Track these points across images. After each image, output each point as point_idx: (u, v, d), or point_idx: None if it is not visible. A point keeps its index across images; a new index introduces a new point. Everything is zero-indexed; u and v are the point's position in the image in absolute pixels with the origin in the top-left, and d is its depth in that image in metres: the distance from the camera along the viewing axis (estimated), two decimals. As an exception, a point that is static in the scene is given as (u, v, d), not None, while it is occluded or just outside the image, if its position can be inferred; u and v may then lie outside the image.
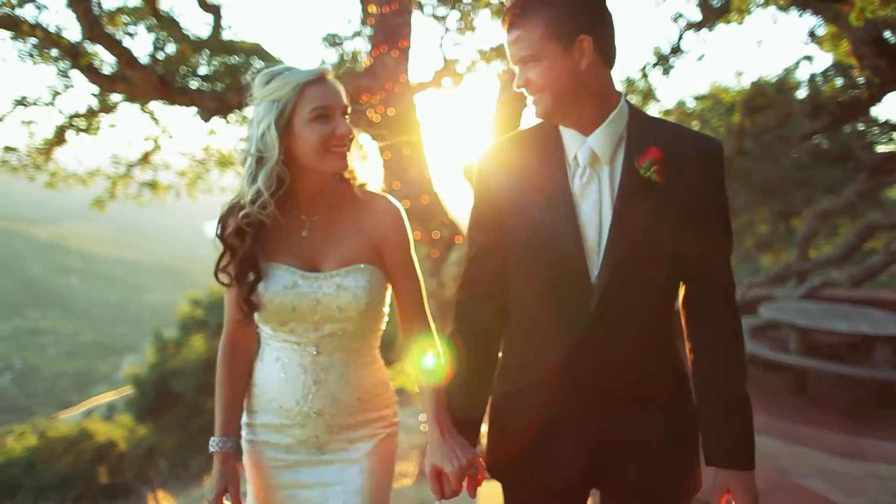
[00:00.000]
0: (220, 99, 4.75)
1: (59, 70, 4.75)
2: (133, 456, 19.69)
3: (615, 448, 1.49)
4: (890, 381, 5.95)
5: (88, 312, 74.19)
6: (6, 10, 3.98)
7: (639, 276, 1.42)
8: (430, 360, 1.64)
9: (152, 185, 8.42)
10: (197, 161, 8.56)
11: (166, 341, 18.43)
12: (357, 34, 7.62)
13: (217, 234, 1.60)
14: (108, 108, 6.96)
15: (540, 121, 1.51)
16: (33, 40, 4.32)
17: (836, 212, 8.76)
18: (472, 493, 1.49)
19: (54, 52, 5.09)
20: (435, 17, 6.20)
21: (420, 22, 6.17)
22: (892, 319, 6.65)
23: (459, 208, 5.27)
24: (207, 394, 18.32)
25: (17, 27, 4.09)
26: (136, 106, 6.90)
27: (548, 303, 1.48)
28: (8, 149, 7.28)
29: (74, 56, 4.51)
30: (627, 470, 1.50)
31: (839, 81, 7.99)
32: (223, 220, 1.60)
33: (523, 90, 1.45)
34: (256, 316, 1.61)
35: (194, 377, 16.99)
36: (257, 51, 5.34)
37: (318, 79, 1.51)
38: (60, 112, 6.89)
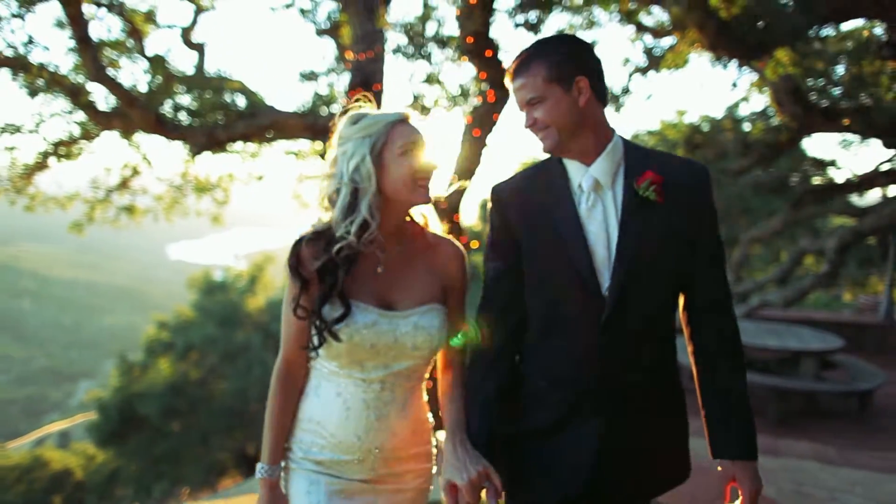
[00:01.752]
0: (210, 135, 5.17)
1: (63, 110, 5.11)
2: (93, 483, 19.26)
3: (619, 448, 1.60)
4: (813, 390, 6.63)
5: (41, 336, 71.48)
6: (14, 51, 4.36)
7: (645, 286, 1.55)
8: (460, 385, 1.70)
9: (130, 210, 8.70)
10: (174, 186, 8.88)
11: (131, 364, 18.24)
12: (332, 70, 8.16)
13: (292, 267, 1.59)
14: (89, 135, 7.30)
15: (542, 158, 1.72)
16: (38, 80, 4.68)
17: (764, 239, 9.54)
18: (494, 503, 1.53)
19: (45, 87, 5.45)
20: (404, 54, 6.76)
21: (391, 61, 6.72)
22: (817, 336, 7.37)
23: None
24: (174, 417, 18.19)
25: (27, 69, 4.45)
26: (116, 133, 7.24)
27: (563, 314, 1.60)
28: (-11, 174, 7.51)
29: (75, 95, 4.89)
30: (628, 467, 1.62)
31: (774, 121, 8.86)
32: (298, 253, 1.59)
33: (531, 129, 1.61)
34: (323, 351, 1.61)
35: (160, 400, 16.86)
36: (242, 89, 5.79)
37: (404, 119, 1.62)
38: (45, 139, 7.20)
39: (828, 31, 5.37)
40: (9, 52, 4.53)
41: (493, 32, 3.88)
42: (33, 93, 4.89)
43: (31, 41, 5.11)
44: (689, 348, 1.68)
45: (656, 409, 1.64)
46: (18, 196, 7.89)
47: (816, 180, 10.26)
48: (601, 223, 1.57)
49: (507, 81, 1.63)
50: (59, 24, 6.28)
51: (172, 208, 8.94)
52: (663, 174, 1.56)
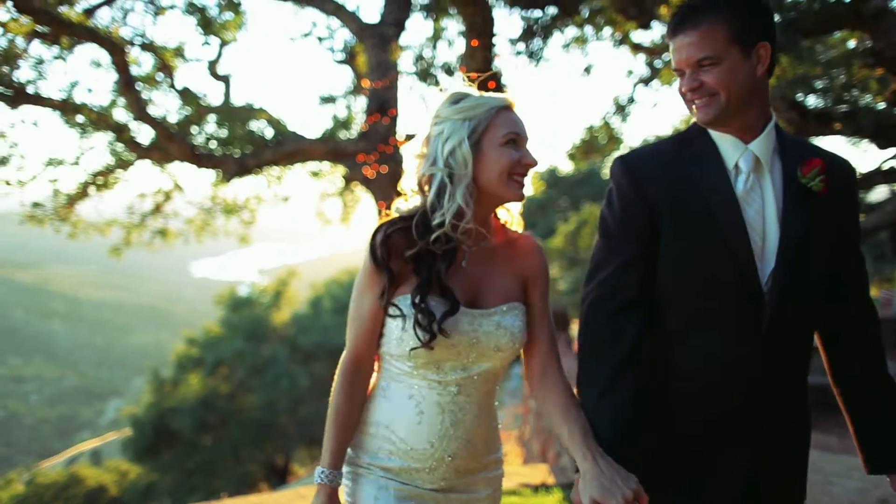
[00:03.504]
0: (241, 163, 5.65)
1: (108, 142, 5.63)
2: (128, 498, 19.87)
3: (772, 458, 1.45)
4: (819, 385, 6.84)
5: (72, 357, 73.13)
6: (67, 93, 4.88)
7: (806, 283, 1.41)
8: (573, 397, 1.51)
9: (163, 233, 9.25)
10: (204, 210, 9.42)
11: (163, 380, 18.88)
12: (349, 93, 8.64)
13: (381, 258, 1.45)
14: (124, 165, 7.85)
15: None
16: (82, 117, 5.19)
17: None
18: None
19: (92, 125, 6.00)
20: (417, 75, 7.18)
21: (405, 83, 7.14)
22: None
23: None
24: (205, 431, 18.76)
25: (78, 111, 4.96)
26: (148, 161, 7.78)
27: (711, 308, 1.43)
28: (35, 204, 8.14)
29: (119, 131, 5.40)
30: (776, 477, 1.46)
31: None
32: (387, 242, 1.46)
33: (689, 93, 1.41)
34: (395, 349, 1.48)
35: (192, 415, 17.46)
36: (268, 118, 6.26)
37: (509, 106, 1.49)
38: (85, 171, 7.76)
39: (813, 42, 5.67)
40: (61, 96, 5.04)
41: (496, 63, 4.26)
42: (83, 132, 5.41)
43: (75, 85, 5.65)
44: (827, 351, 1.54)
45: (799, 432, 1.48)
46: (62, 224, 8.49)
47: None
48: (759, 208, 1.42)
49: (668, 34, 1.44)
50: (96, 64, 6.85)
51: (203, 230, 9.48)
52: (826, 161, 1.41)
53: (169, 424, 17.46)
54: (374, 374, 1.58)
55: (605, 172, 23.84)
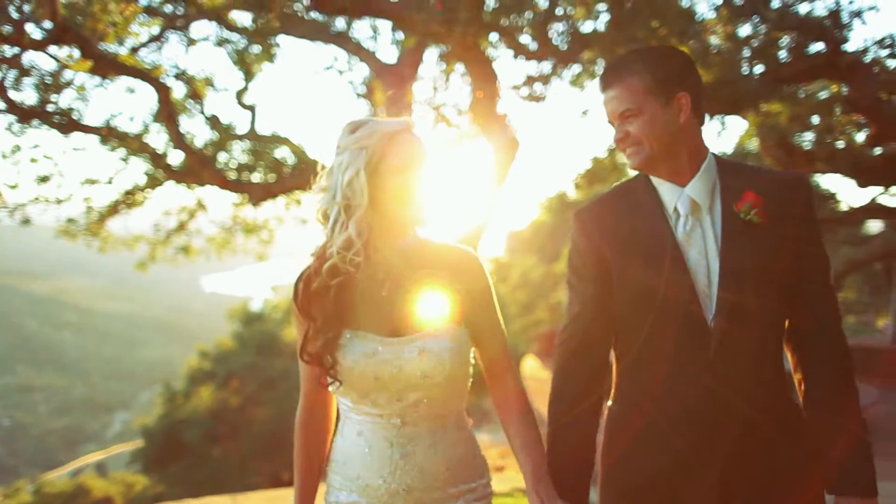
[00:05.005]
0: (267, 189, 6.14)
1: (147, 170, 6.17)
2: (137, 508, 20.19)
3: (741, 486, 1.46)
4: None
5: (81, 368, 73.61)
6: (107, 122, 5.42)
7: (752, 315, 1.45)
8: (526, 422, 1.55)
9: (186, 249, 9.75)
10: (225, 228, 9.93)
11: (174, 392, 19.35)
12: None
13: (304, 308, 1.49)
14: (154, 183, 8.39)
15: (619, 180, 1.78)
16: (125, 145, 5.72)
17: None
18: None
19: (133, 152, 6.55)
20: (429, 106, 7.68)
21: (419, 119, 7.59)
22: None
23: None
24: (214, 443, 19.11)
25: (122, 138, 5.50)
26: (172, 182, 8.31)
27: (666, 349, 1.49)
28: (70, 220, 8.70)
29: (156, 158, 5.93)
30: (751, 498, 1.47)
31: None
32: (302, 286, 1.50)
33: (619, 143, 1.52)
34: (332, 387, 1.50)
35: (202, 427, 17.88)
36: (291, 147, 6.76)
37: (406, 129, 1.48)
38: (116, 190, 8.31)
39: (797, 88, 6.15)
40: (101, 123, 5.60)
41: (501, 107, 4.75)
42: (125, 158, 5.96)
43: (116, 115, 6.23)
44: (797, 377, 1.55)
45: (777, 448, 1.49)
46: (93, 238, 9.03)
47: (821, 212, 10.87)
48: (701, 249, 1.48)
49: (599, 90, 1.57)
50: (131, 91, 7.43)
51: (223, 248, 9.98)
52: (763, 193, 1.47)
53: (179, 436, 17.87)
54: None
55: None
